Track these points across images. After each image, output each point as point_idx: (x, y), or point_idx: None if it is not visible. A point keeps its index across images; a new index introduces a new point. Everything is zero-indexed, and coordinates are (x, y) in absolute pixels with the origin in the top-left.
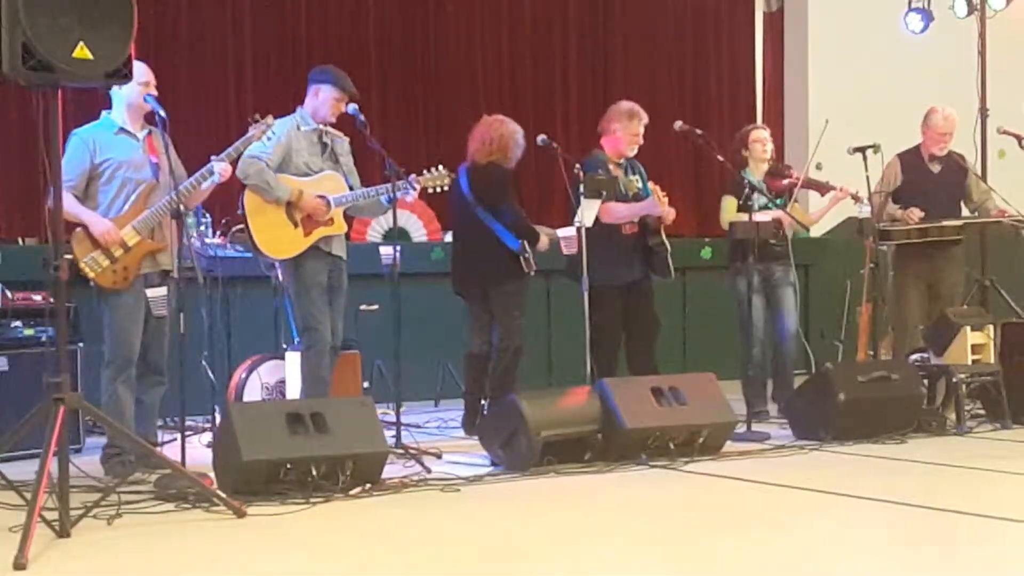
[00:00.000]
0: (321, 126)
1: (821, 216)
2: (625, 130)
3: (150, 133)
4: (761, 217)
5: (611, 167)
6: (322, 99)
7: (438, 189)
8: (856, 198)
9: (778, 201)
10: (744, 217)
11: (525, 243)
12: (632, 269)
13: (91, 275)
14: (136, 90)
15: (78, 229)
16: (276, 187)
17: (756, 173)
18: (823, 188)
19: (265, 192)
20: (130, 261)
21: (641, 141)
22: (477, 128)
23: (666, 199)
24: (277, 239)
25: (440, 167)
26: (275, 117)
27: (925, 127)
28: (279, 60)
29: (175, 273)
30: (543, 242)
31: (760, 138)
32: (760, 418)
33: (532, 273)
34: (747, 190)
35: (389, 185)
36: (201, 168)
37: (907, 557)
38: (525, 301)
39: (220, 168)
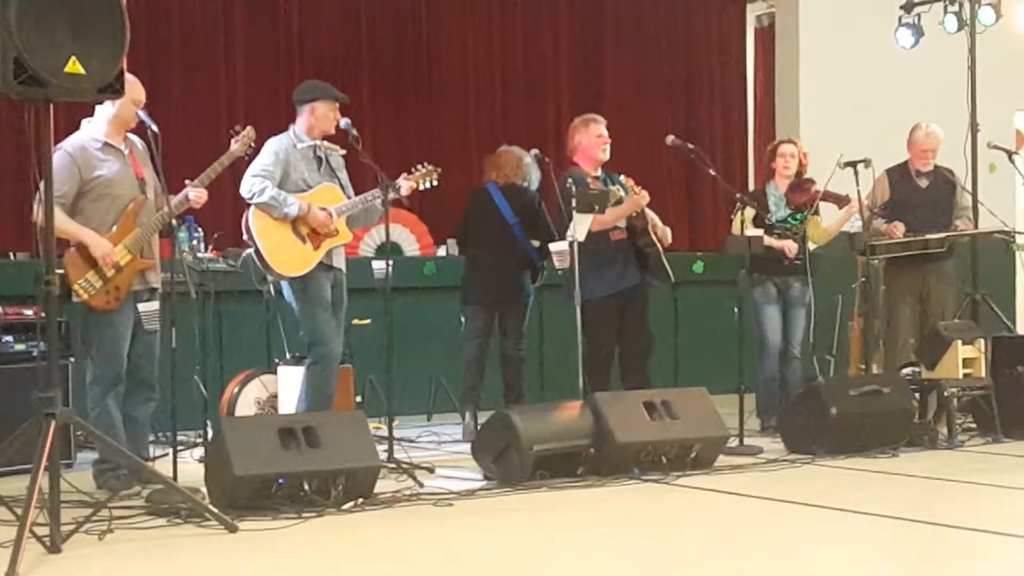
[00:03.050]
0: (317, 142)
1: (838, 228)
2: (587, 136)
3: (131, 147)
4: (752, 232)
5: (589, 181)
6: (320, 115)
7: (428, 184)
8: (867, 208)
9: (799, 216)
10: (758, 232)
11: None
12: (626, 275)
13: (84, 297)
14: (128, 106)
15: (71, 250)
16: (284, 203)
17: (781, 187)
18: (841, 201)
19: (274, 209)
20: (122, 281)
21: (608, 140)
22: (509, 154)
23: (644, 192)
24: (289, 258)
25: (425, 164)
26: (269, 127)
27: (909, 143)
28: (272, 71)
29: (161, 289)
30: None
31: (784, 153)
32: (770, 433)
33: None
34: (751, 204)
35: (379, 189)
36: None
37: (902, 571)
38: None
39: (194, 195)
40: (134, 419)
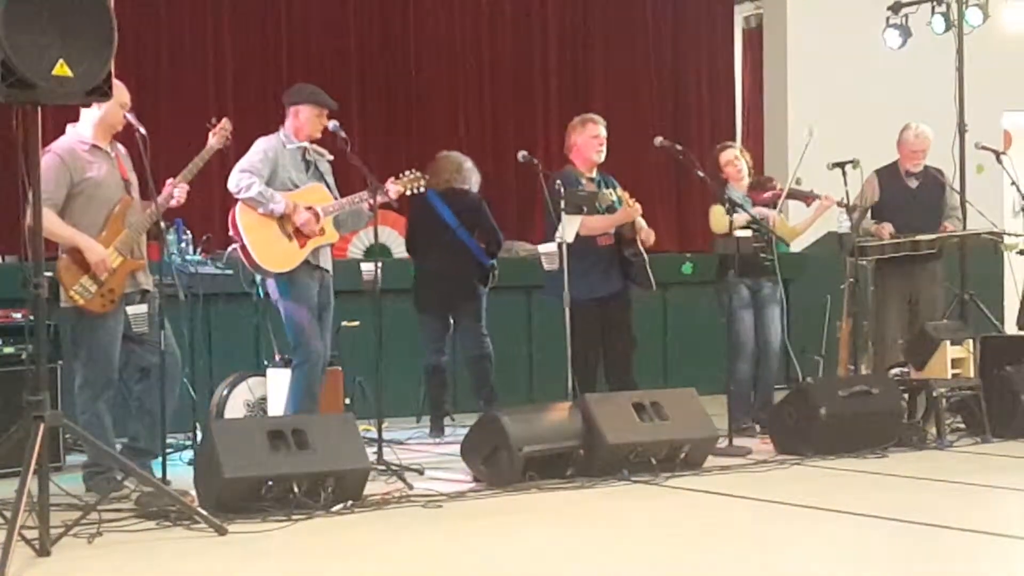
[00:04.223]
0: (306, 144)
1: (807, 226)
2: (583, 136)
3: (116, 149)
4: (742, 233)
5: (584, 182)
6: (303, 119)
7: (415, 190)
8: (841, 205)
9: None
10: (747, 232)
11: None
12: (610, 281)
13: (81, 302)
14: (115, 109)
15: (64, 256)
16: (271, 199)
17: (739, 189)
18: (807, 198)
19: (261, 205)
20: (115, 283)
21: (604, 143)
22: (447, 159)
23: (637, 205)
24: (275, 254)
25: (413, 170)
26: (257, 128)
27: (899, 143)
28: (260, 72)
29: (152, 290)
30: None
31: (728, 159)
32: (746, 433)
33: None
34: (728, 205)
35: (367, 191)
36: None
37: (891, 572)
38: None
39: (178, 192)
40: (151, 413)
